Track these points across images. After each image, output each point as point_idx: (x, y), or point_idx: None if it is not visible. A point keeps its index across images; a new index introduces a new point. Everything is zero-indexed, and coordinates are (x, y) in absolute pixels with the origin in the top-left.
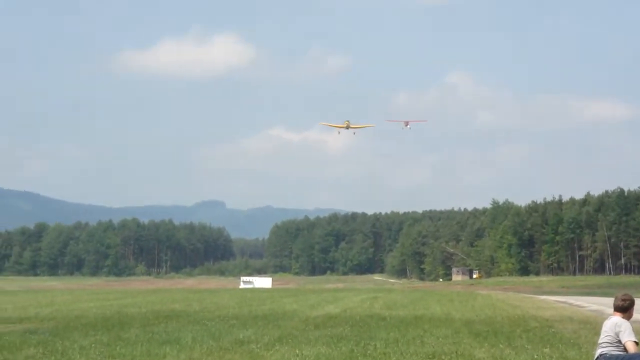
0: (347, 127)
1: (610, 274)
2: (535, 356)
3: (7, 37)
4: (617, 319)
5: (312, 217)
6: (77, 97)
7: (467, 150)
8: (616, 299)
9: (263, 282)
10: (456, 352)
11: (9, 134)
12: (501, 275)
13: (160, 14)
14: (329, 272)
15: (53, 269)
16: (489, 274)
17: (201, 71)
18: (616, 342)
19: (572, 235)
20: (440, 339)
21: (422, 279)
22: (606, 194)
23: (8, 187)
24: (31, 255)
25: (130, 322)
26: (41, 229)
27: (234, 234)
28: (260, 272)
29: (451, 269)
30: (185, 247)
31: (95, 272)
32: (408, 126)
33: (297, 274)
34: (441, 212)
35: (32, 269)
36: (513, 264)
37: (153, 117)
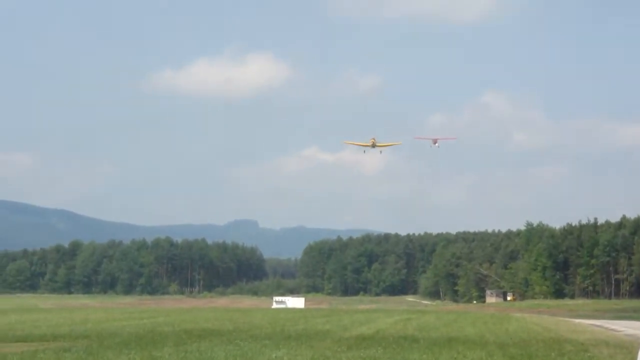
0: (373, 146)
1: None
2: None
3: (45, 55)
4: None
5: (344, 238)
6: (112, 116)
7: (501, 171)
8: None
9: (296, 302)
10: None
11: (45, 153)
12: (535, 298)
13: (197, 35)
14: (361, 292)
15: (87, 287)
16: (523, 297)
17: (235, 90)
18: None
19: (607, 259)
20: None
21: (455, 300)
22: None
23: (44, 205)
24: (65, 274)
25: (164, 341)
26: (75, 247)
27: (266, 254)
28: (292, 292)
29: (485, 291)
30: (218, 266)
31: (128, 290)
32: (437, 144)
33: (329, 294)
34: (475, 234)
35: (67, 287)
36: (547, 286)
37: (187, 136)
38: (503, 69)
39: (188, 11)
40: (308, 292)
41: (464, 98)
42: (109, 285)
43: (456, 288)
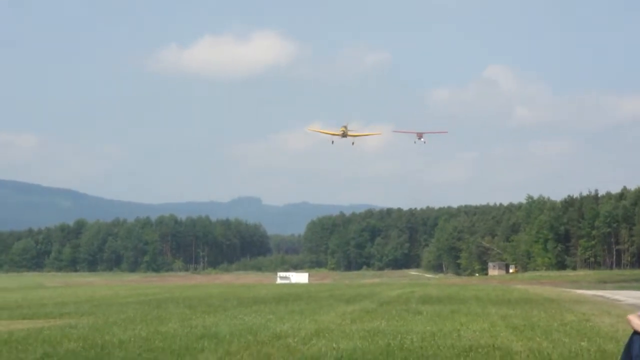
0: (344, 135)
1: None
2: (573, 349)
3: (47, 36)
4: None
5: (347, 213)
6: (116, 95)
7: (503, 145)
8: None
9: (299, 277)
10: (493, 346)
11: (49, 133)
12: (537, 270)
13: (201, 12)
14: (364, 267)
15: (92, 265)
16: (525, 269)
17: (240, 68)
18: None
19: (608, 230)
20: (477, 332)
21: (458, 273)
22: None
23: (48, 185)
24: (71, 252)
25: (169, 317)
26: (80, 226)
27: (270, 230)
28: (296, 267)
29: (487, 263)
30: (222, 243)
31: (133, 268)
32: (422, 139)
33: (333, 269)
34: (476, 207)
35: (72, 265)
36: (549, 258)
37: (191, 113)
38: (506, 43)
39: None
40: (312, 267)
41: (468, 73)
42: (114, 263)
43: (459, 261)
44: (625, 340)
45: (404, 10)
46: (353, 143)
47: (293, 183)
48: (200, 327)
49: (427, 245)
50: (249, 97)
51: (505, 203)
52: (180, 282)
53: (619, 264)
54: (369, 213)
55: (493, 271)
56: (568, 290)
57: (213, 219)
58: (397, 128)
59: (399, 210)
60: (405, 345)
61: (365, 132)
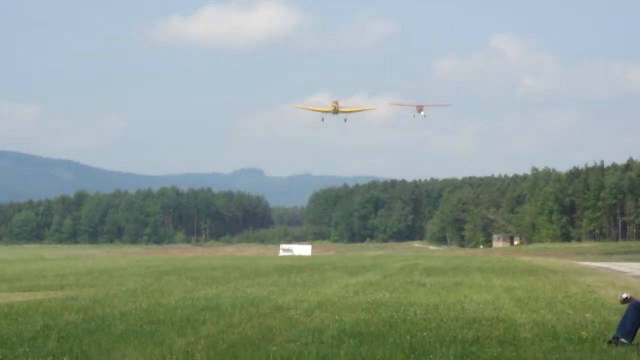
0: (335, 112)
1: None
2: (577, 321)
3: (45, 5)
4: None
5: (351, 185)
6: (117, 66)
7: (509, 115)
8: None
9: (302, 249)
10: (497, 318)
11: (49, 103)
12: (542, 242)
13: None
14: (368, 239)
15: (93, 237)
16: (529, 241)
17: (244, 38)
18: None
19: (614, 201)
20: (481, 304)
21: (462, 245)
22: None
23: (48, 156)
24: (71, 224)
25: (170, 289)
26: (81, 198)
27: (272, 202)
28: (299, 239)
29: (491, 235)
30: (225, 215)
31: (135, 240)
32: (422, 112)
33: (336, 241)
34: (481, 179)
35: (73, 237)
36: (554, 230)
37: (193, 84)
38: (513, 12)
39: None
40: (315, 239)
41: (474, 42)
42: (115, 235)
43: (463, 233)
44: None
45: None
46: (345, 120)
47: (296, 154)
48: (202, 299)
49: (431, 217)
50: (252, 67)
51: (510, 174)
52: (182, 254)
53: (624, 236)
54: (373, 184)
55: (497, 243)
56: (573, 262)
57: (215, 190)
58: (403, 98)
59: (403, 181)
60: (408, 318)
61: (358, 108)
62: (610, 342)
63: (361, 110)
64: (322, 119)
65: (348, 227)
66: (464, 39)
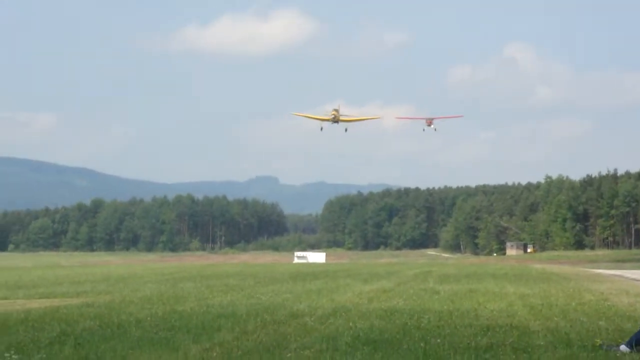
0: (335, 121)
1: None
2: (591, 329)
3: (65, 15)
4: None
5: (365, 193)
6: (133, 74)
7: (522, 124)
8: None
9: (317, 257)
10: (510, 325)
11: (66, 111)
12: (555, 250)
13: None
14: (382, 247)
15: (109, 245)
16: (543, 248)
17: (258, 46)
18: None
19: (627, 209)
20: (495, 312)
21: (476, 253)
22: None
23: (64, 164)
24: (88, 231)
25: (186, 296)
26: (97, 205)
27: (287, 210)
28: (313, 247)
29: (505, 243)
30: (239, 222)
31: (150, 247)
32: (432, 126)
33: (350, 249)
34: (494, 187)
35: (89, 244)
36: (567, 238)
37: (208, 92)
38: (526, 21)
39: None
40: (329, 247)
41: (488, 52)
42: (131, 243)
43: (476, 241)
44: None
45: None
46: (346, 130)
47: (310, 162)
48: (217, 306)
49: (444, 224)
50: (267, 76)
51: (524, 182)
52: (197, 261)
53: (637, 244)
54: (387, 192)
55: (511, 251)
56: (586, 269)
57: (230, 198)
58: (417, 106)
59: (417, 189)
60: (422, 325)
61: (360, 117)
62: (601, 347)
63: (364, 120)
64: (321, 128)
65: (362, 235)
66: (477, 48)
